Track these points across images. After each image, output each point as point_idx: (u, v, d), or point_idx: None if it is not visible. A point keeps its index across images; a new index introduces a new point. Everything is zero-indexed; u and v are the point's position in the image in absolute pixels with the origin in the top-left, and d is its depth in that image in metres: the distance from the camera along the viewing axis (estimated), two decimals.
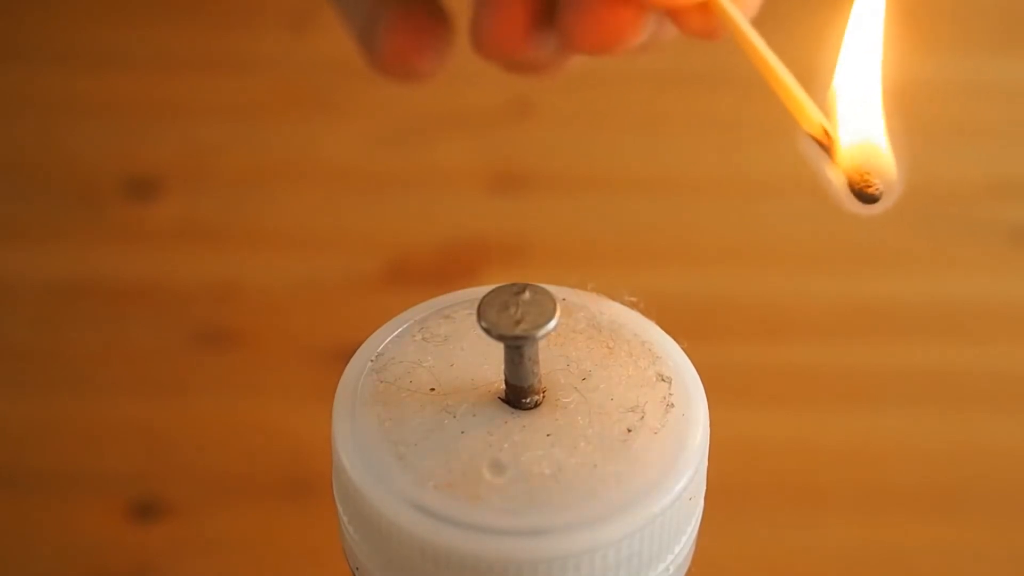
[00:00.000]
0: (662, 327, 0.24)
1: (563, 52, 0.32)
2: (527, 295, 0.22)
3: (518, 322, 0.21)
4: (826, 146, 0.26)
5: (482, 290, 0.22)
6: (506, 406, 0.22)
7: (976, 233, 0.56)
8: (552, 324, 0.22)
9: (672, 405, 0.22)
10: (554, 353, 0.23)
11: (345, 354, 0.24)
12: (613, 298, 0.25)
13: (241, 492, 0.47)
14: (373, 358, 0.23)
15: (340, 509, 0.23)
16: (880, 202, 0.24)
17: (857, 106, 0.26)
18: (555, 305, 0.22)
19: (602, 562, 0.21)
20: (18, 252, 0.56)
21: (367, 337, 0.24)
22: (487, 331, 0.22)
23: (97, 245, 0.56)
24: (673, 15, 0.29)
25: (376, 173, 0.59)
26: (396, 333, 0.24)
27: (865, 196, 0.24)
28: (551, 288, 0.23)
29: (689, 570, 0.23)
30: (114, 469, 0.48)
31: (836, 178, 0.25)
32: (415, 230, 0.57)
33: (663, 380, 0.23)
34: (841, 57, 0.27)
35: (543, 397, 0.22)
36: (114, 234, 0.57)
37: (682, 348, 0.24)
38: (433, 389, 0.23)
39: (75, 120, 0.62)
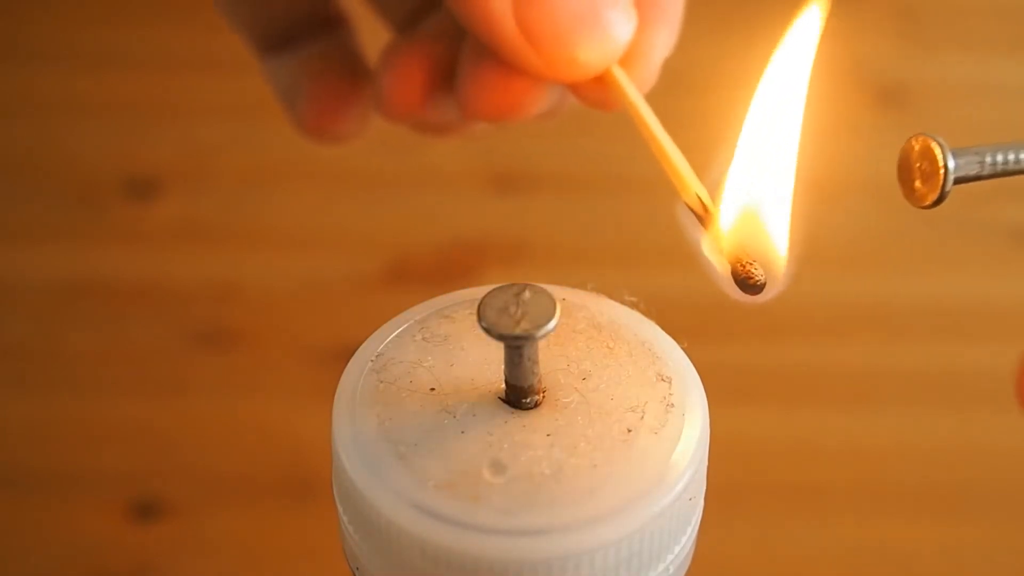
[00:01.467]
0: (662, 327, 0.24)
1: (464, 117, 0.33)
2: (527, 295, 0.22)
3: (518, 322, 0.21)
4: (703, 218, 0.26)
5: (482, 290, 0.22)
6: (506, 406, 0.22)
7: (976, 233, 0.56)
8: (552, 324, 0.22)
9: (672, 405, 0.22)
10: (554, 353, 0.23)
11: (345, 354, 0.24)
12: (613, 298, 0.25)
13: (241, 492, 0.47)
14: (373, 358, 0.23)
15: (340, 509, 0.23)
16: (762, 293, 0.24)
17: (748, 182, 0.26)
18: (555, 305, 0.22)
19: (602, 562, 0.21)
20: (18, 252, 0.56)
21: (367, 337, 0.24)
22: (487, 331, 0.22)
23: (97, 245, 0.56)
24: (571, 87, 0.29)
25: (376, 173, 0.59)
26: (396, 333, 0.24)
27: (747, 284, 0.24)
28: (551, 288, 0.23)
29: (689, 570, 0.23)
30: (114, 469, 0.48)
31: (716, 260, 0.24)
32: (415, 230, 0.57)
33: (663, 380, 0.23)
34: (743, 133, 0.27)
35: (543, 397, 0.22)
36: (114, 234, 0.57)
37: (682, 348, 0.24)
38: (433, 389, 0.23)
39: (75, 120, 0.62)
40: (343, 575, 0.24)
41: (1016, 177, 0.25)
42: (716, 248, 0.25)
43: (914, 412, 0.50)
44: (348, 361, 0.23)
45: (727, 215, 0.25)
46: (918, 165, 0.24)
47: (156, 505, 0.47)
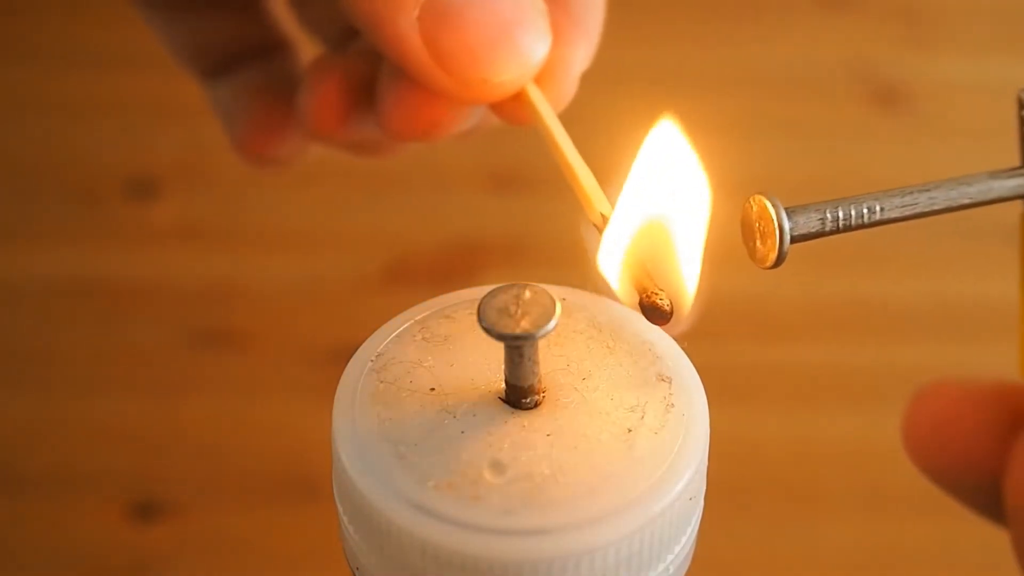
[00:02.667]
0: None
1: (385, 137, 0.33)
2: (527, 295, 0.22)
3: (518, 322, 0.21)
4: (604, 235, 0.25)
5: (482, 290, 0.22)
6: (506, 406, 0.22)
7: (976, 233, 0.56)
8: (552, 324, 0.22)
9: (672, 405, 0.22)
10: (554, 353, 0.23)
11: (345, 354, 0.23)
12: (613, 298, 0.25)
13: (241, 492, 0.47)
14: (373, 358, 0.23)
15: (340, 509, 0.23)
16: (672, 319, 0.23)
17: (651, 203, 0.25)
18: (555, 305, 0.22)
19: (602, 562, 0.21)
20: (18, 252, 0.56)
21: (367, 337, 0.24)
22: (487, 331, 0.21)
23: (97, 245, 0.56)
24: (488, 105, 0.29)
25: (376, 173, 0.59)
26: (396, 333, 0.24)
27: (654, 309, 0.23)
28: (551, 288, 0.23)
29: (689, 570, 0.23)
30: (114, 469, 0.48)
31: (615, 279, 0.24)
32: (415, 230, 0.57)
33: (663, 380, 0.23)
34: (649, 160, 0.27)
35: (543, 397, 0.22)
36: (114, 234, 0.57)
37: (682, 348, 0.24)
38: (433, 389, 0.23)
39: (75, 120, 0.62)
40: (343, 575, 0.24)
41: None
42: (616, 267, 0.24)
43: None
44: (348, 361, 0.23)
45: (627, 236, 0.24)
46: (757, 225, 0.24)
47: (156, 505, 0.47)
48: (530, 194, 0.58)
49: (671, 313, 0.23)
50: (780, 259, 0.23)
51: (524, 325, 0.21)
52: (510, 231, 0.57)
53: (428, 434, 0.22)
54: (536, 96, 0.28)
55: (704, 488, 0.23)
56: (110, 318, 0.53)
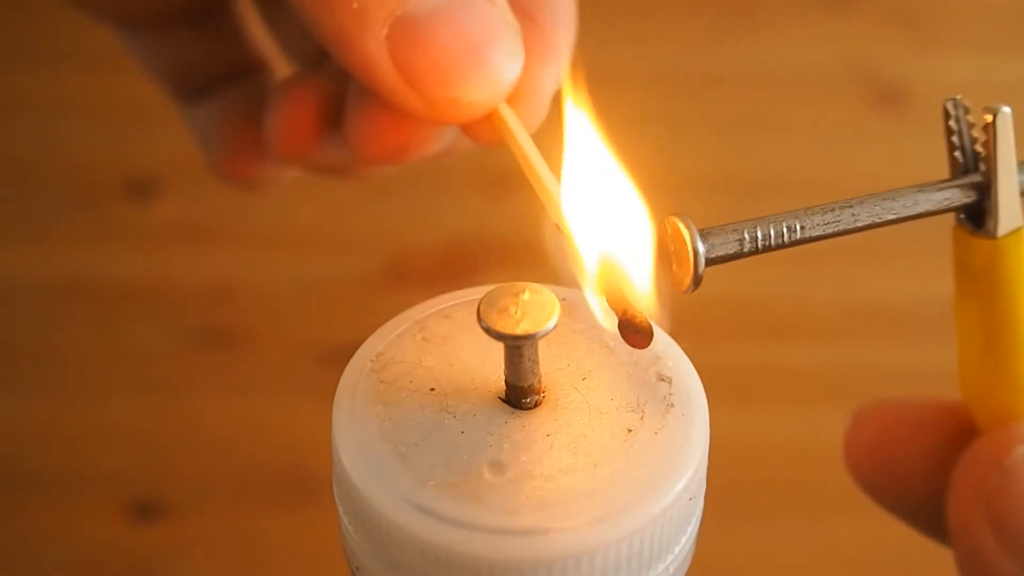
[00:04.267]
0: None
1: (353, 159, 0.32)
2: (527, 295, 0.22)
3: (518, 322, 0.21)
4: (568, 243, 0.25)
5: (482, 290, 0.22)
6: (506, 406, 0.22)
7: None
8: (552, 324, 0.22)
9: (672, 405, 0.22)
10: (554, 353, 0.23)
11: (345, 354, 0.23)
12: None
13: (241, 492, 0.47)
14: (373, 358, 0.23)
15: (340, 509, 0.23)
16: (650, 337, 0.23)
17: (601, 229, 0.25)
18: (555, 305, 0.22)
19: (602, 562, 0.21)
20: (18, 252, 0.56)
21: (367, 337, 0.24)
22: (487, 331, 0.22)
23: (97, 245, 0.56)
24: (459, 126, 0.28)
25: (376, 173, 0.59)
26: (396, 333, 0.24)
27: (634, 327, 0.23)
28: (551, 288, 0.23)
29: (689, 570, 0.23)
30: (114, 469, 0.48)
31: (603, 311, 0.23)
32: (415, 230, 0.57)
33: (663, 380, 0.23)
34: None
35: (543, 397, 0.22)
36: (114, 234, 0.57)
37: (682, 348, 0.24)
38: (433, 389, 0.23)
39: (75, 120, 0.62)
40: (343, 575, 0.24)
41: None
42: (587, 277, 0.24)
43: None
44: (348, 361, 0.23)
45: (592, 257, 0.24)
46: (672, 248, 0.23)
47: (156, 505, 0.47)
48: (530, 195, 0.58)
49: (648, 329, 0.23)
50: (696, 282, 0.22)
51: (524, 325, 0.21)
52: (510, 231, 0.57)
53: (428, 434, 0.22)
54: (508, 117, 0.27)
55: (704, 488, 0.23)
56: (110, 318, 0.53)
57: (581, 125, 0.25)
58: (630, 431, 0.22)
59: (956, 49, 0.65)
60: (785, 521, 0.46)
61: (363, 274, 0.55)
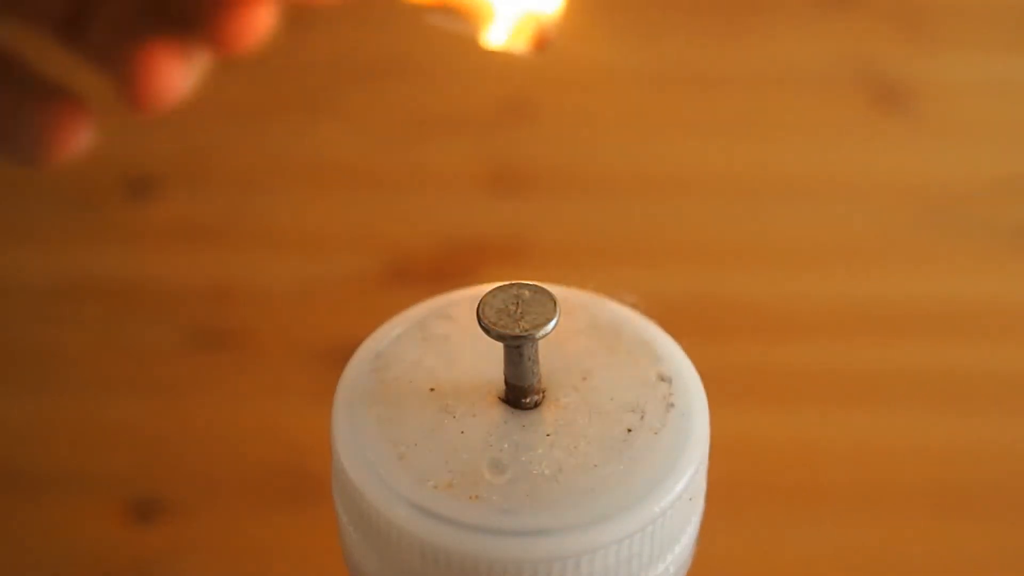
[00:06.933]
0: (662, 327, 0.24)
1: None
2: (527, 295, 0.22)
3: (518, 322, 0.21)
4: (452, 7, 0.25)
5: (482, 290, 0.22)
6: (506, 406, 0.22)
7: (976, 233, 0.56)
8: (552, 324, 0.22)
9: (672, 405, 0.22)
10: (554, 353, 0.23)
11: (345, 354, 0.23)
12: (613, 298, 0.25)
13: (241, 492, 0.47)
14: (373, 358, 0.23)
15: (340, 509, 0.23)
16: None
17: None
18: (555, 305, 0.22)
19: (602, 562, 0.21)
20: (18, 252, 0.56)
21: (367, 337, 0.24)
22: (487, 331, 0.22)
23: (97, 245, 0.56)
24: None
25: (376, 173, 0.59)
26: (396, 333, 0.24)
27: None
28: (551, 288, 0.23)
29: (689, 570, 0.23)
30: (114, 469, 0.48)
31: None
32: (415, 230, 0.57)
33: (663, 380, 0.23)
34: None
35: (543, 397, 0.22)
36: (114, 234, 0.57)
37: (682, 348, 0.24)
38: (433, 389, 0.23)
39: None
40: (343, 575, 0.24)
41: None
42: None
43: (914, 412, 0.50)
44: (348, 361, 0.23)
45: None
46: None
47: (156, 505, 0.47)
48: (530, 194, 0.58)
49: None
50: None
51: (524, 325, 0.21)
52: (510, 231, 0.57)
53: (428, 434, 0.22)
54: None
55: (704, 488, 0.23)
56: (110, 318, 0.53)
57: None
58: (630, 431, 0.22)
59: (958, 48, 0.65)
60: (785, 521, 0.46)
61: (363, 274, 0.54)
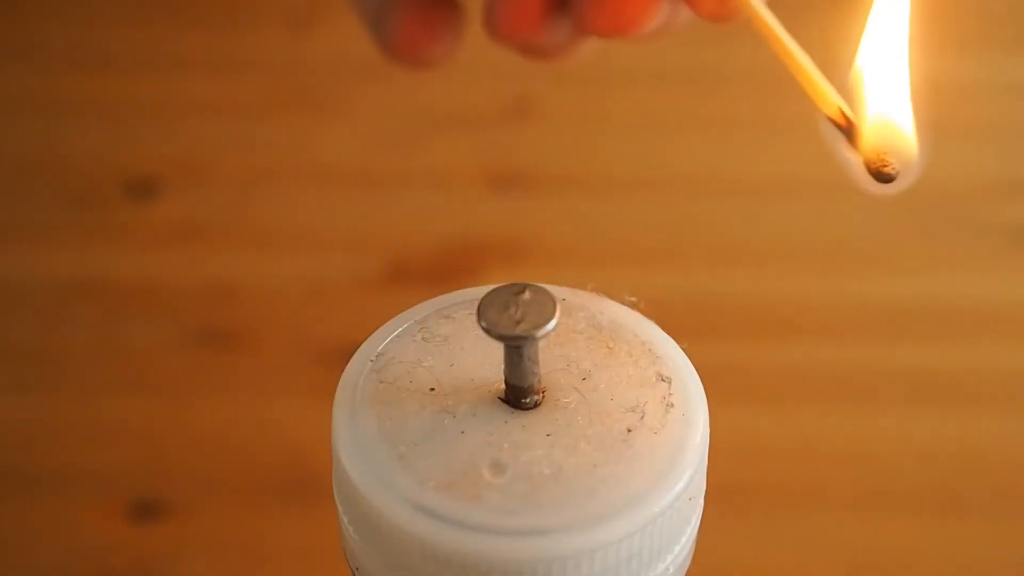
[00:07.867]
0: (662, 327, 0.24)
1: (577, 36, 0.31)
2: (527, 295, 0.22)
3: (518, 322, 0.21)
4: (844, 128, 0.25)
5: (482, 290, 0.22)
6: (506, 406, 0.22)
7: (976, 233, 0.56)
8: (552, 324, 0.22)
9: (672, 405, 0.22)
10: (554, 353, 0.23)
11: (345, 354, 0.24)
12: (613, 298, 0.25)
13: (241, 492, 0.47)
14: (373, 358, 0.23)
15: (340, 509, 0.23)
16: (896, 182, 0.24)
17: (879, 86, 0.25)
18: (555, 305, 0.22)
19: (602, 562, 0.21)
20: (18, 252, 0.56)
21: (367, 337, 0.24)
22: (487, 331, 0.22)
23: (97, 245, 0.56)
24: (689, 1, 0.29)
25: (376, 173, 0.59)
26: (396, 333, 0.24)
27: (881, 176, 0.24)
28: (551, 288, 0.23)
29: (689, 570, 0.23)
30: (114, 469, 0.48)
31: (854, 158, 0.24)
32: (415, 230, 0.57)
33: (663, 380, 0.23)
34: (865, 37, 0.26)
35: (543, 397, 0.22)
36: (114, 234, 0.57)
37: (682, 348, 0.24)
38: (433, 389, 0.23)
39: (75, 120, 0.62)
40: (343, 575, 0.24)
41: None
42: (857, 150, 0.25)
43: (914, 412, 0.50)
44: (348, 361, 0.23)
45: (866, 121, 0.25)
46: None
47: (156, 505, 0.47)
48: (530, 194, 0.58)
49: (896, 176, 0.24)
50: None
51: (524, 325, 0.21)
52: (510, 231, 0.57)
53: (428, 434, 0.22)
54: None
55: (704, 488, 0.23)
56: (110, 318, 0.53)
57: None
58: (630, 431, 0.22)
59: (958, 48, 0.65)
60: (785, 521, 0.46)
61: (363, 274, 0.54)
